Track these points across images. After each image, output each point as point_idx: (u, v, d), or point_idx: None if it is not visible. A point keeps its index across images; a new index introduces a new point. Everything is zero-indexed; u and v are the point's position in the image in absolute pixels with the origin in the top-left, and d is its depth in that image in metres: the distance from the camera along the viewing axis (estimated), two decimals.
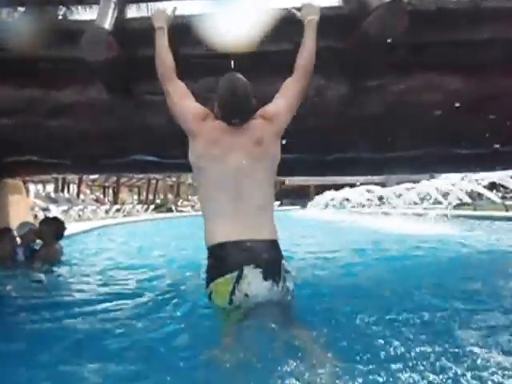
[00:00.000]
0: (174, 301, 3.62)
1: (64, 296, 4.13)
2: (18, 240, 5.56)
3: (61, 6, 3.92)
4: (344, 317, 2.93)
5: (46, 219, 6.17)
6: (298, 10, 3.02)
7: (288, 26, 3.11)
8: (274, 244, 2.58)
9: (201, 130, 2.71)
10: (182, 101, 2.83)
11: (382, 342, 2.42)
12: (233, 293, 2.42)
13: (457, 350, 2.30)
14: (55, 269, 5.33)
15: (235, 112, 2.66)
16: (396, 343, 2.38)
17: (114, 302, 3.72)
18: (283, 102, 2.82)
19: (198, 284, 3.17)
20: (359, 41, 3.13)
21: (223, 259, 2.49)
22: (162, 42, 2.95)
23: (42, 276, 4.88)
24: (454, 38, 3.29)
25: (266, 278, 2.43)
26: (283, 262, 2.56)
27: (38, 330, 2.98)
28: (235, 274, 2.41)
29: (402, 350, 2.31)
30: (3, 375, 2.20)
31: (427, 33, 3.23)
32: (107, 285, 4.56)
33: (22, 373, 2.27)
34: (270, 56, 3.47)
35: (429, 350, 2.31)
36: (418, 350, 2.31)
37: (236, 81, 2.69)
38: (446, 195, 14.55)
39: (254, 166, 2.63)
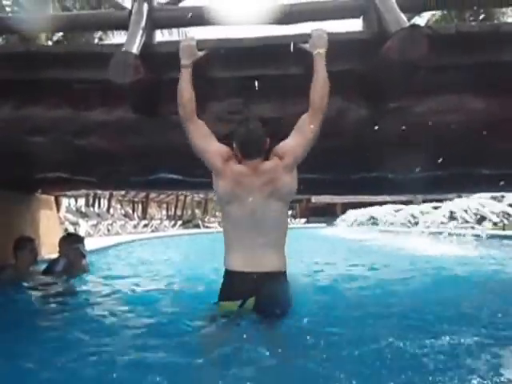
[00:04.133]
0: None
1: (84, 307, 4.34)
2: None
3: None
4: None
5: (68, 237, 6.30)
6: (309, 36, 3.13)
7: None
8: (279, 275, 3.05)
9: (225, 171, 3.05)
10: (206, 142, 3.12)
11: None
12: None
13: None
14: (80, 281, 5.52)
15: (250, 148, 3.05)
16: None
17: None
18: (297, 138, 3.07)
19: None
20: (379, 64, 3.18)
21: (232, 286, 3.05)
22: (186, 80, 3.12)
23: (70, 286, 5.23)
24: (474, 60, 3.31)
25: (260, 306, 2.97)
26: (286, 290, 3.08)
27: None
28: (239, 302, 2.97)
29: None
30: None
31: (447, 56, 3.27)
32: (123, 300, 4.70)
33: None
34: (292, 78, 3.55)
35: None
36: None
37: (249, 123, 3.08)
38: (473, 215, 14.32)
39: (268, 205, 3.02)
